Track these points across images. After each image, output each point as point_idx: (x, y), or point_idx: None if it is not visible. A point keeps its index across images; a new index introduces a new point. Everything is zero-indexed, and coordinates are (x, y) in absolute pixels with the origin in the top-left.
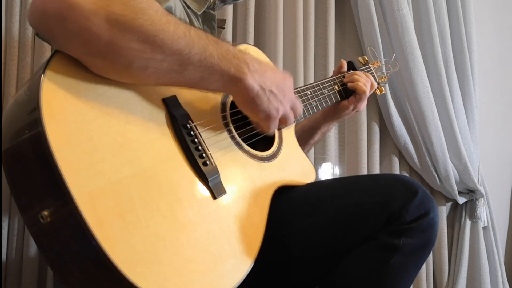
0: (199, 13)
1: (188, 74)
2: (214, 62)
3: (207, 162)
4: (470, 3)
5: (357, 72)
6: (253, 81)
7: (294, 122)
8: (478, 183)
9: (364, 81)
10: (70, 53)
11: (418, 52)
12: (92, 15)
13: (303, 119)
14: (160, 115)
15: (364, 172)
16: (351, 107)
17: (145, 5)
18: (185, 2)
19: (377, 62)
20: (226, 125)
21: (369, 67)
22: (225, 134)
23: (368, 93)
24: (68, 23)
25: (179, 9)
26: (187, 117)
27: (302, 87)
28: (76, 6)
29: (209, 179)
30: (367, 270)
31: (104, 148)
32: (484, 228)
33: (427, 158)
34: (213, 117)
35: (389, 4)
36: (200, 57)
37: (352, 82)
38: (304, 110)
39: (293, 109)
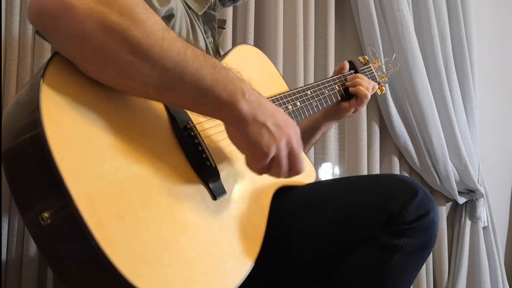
0: (200, 13)
1: (178, 94)
2: (206, 85)
3: (207, 162)
4: (470, 3)
5: (359, 75)
6: (246, 109)
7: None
8: (478, 183)
9: (366, 85)
10: (63, 54)
11: (418, 52)
12: (86, 18)
13: (303, 119)
14: (160, 116)
15: (364, 172)
16: (352, 110)
17: (143, 17)
18: (186, 3)
19: (378, 62)
20: None
21: (370, 67)
22: (225, 134)
23: (369, 96)
24: (61, 23)
25: (181, 10)
26: (187, 117)
27: (302, 87)
28: (72, 7)
29: (209, 180)
30: (367, 270)
31: (103, 149)
32: (484, 228)
33: (427, 158)
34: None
35: (389, 4)
36: (192, 79)
37: (354, 86)
38: (304, 110)
39: (291, 158)
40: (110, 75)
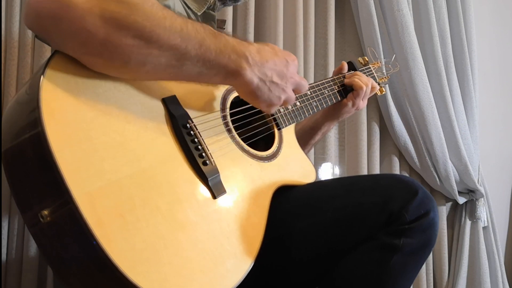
0: (199, 13)
1: (186, 69)
2: (211, 56)
3: (207, 161)
4: (470, 3)
5: (357, 72)
6: (252, 75)
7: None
8: (478, 183)
9: (365, 80)
10: (68, 53)
11: (418, 52)
12: (87, 13)
13: (303, 119)
14: (160, 115)
15: (364, 172)
16: (350, 104)
17: (139, 1)
18: (185, 2)
19: (377, 63)
20: (226, 125)
21: (369, 68)
22: (225, 134)
23: (365, 90)
24: (63, 23)
25: (179, 9)
26: (186, 116)
27: None
28: (71, 5)
29: (209, 179)
30: (367, 270)
31: (103, 147)
32: (484, 228)
33: (427, 158)
34: (213, 117)
35: (389, 4)
36: (197, 52)
37: (349, 79)
38: (304, 111)
39: (296, 90)
40: (119, 65)
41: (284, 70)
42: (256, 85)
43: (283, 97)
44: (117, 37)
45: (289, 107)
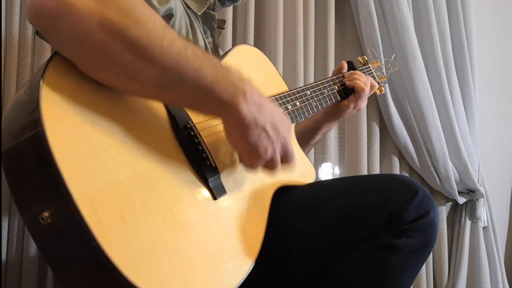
0: (199, 13)
1: (178, 93)
2: (206, 85)
3: (207, 162)
4: (470, 3)
5: (357, 71)
6: (247, 111)
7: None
8: (478, 183)
9: (364, 80)
10: (64, 54)
11: (418, 52)
12: (86, 18)
13: (303, 119)
14: (160, 115)
15: (364, 172)
16: (352, 106)
17: (142, 16)
18: (185, 3)
19: (377, 62)
20: None
21: (369, 67)
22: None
23: (367, 91)
24: (61, 24)
25: (180, 10)
26: (187, 117)
27: (301, 87)
28: (71, 7)
29: (209, 180)
30: (367, 270)
31: (104, 148)
32: (484, 228)
33: (427, 158)
34: (213, 118)
35: (389, 4)
36: (192, 78)
37: (351, 81)
38: (304, 111)
39: (283, 156)
40: (110, 75)
41: (278, 126)
42: (248, 123)
43: (269, 152)
44: (112, 47)
45: (289, 107)
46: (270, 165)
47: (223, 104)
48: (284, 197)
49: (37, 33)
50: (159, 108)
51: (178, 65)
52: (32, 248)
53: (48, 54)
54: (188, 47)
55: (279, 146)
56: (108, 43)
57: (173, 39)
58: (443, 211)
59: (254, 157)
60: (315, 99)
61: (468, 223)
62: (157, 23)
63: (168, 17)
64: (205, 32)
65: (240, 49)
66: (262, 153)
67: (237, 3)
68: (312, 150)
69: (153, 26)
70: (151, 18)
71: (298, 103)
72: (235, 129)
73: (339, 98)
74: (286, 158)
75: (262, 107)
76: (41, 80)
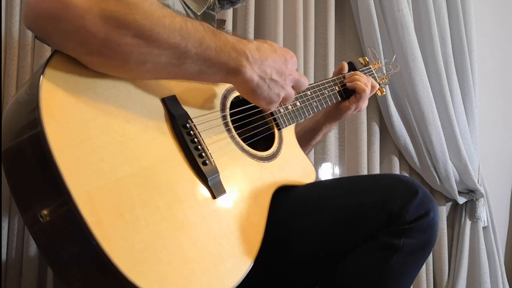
0: (199, 13)
1: (186, 68)
2: (211, 55)
3: (207, 161)
4: (470, 3)
5: (357, 72)
6: (251, 73)
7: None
8: (478, 183)
9: (365, 81)
10: (67, 53)
11: (418, 52)
12: (86, 13)
13: (303, 120)
14: (160, 115)
15: (364, 172)
16: (353, 107)
17: (139, 0)
18: (184, 2)
19: (378, 63)
20: (226, 125)
21: (370, 68)
22: (225, 134)
23: (368, 92)
24: (62, 23)
25: (179, 9)
26: (186, 116)
27: None
28: (70, 5)
29: (208, 179)
30: (367, 270)
31: (103, 147)
32: (484, 228)
33: (427, 158)
34: (213, 117)
35: (389, 4)
36: (197, 50)
37: (352, 82)
38: (304, 111)
39: (296, 87)
40: (119, 64)
41: (283, 67)
42: (256, 83)
43: (282, 94)
44: (117, 36)
45: (289, 107)
46: (285, 101)
47: (229, 71)
48: (284, 197)
49: (36, 36)
50: (158, 107)
51: (182, 39)
52: (32, 248)
53: (48, 54)
54: (187, 20)
55: (289, 83)
56: (112, 33)
57: (172, 16)
58: (443, 211)
59: (271, 104)
60: (316, 99)
61: (468, 223)
62: (154, 4)
63: None
64: None
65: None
66: (276, 99)
67: (236, 6)
68: (312, 150)
69: (151, 7)
70: (147, 1)
71: (298, 103)
72: (247, 91)
73: (339, 98)
74: (298, 87)
75: (264, 62)
76: (40, 80)
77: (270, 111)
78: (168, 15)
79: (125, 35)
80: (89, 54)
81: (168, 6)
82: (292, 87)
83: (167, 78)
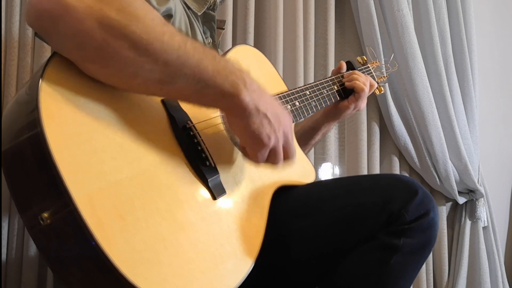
0: (199, 13)
1: (179, 87)
2: (208, 76)
3: (207, 162)
4: (470, 3)
5: (356, 71)
6: (248, 99)
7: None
8: (478, 183)
9: (363, 80)
10: (65, 55)
11: (418, 52)
12: (86, 17)
13: (302, 120)
14: (160, 116)
15: (364, 172)
16: (352, 107)
17: (141, 13)
18: (185, 3)
19: (376, 62)
20: (226, 125)
21: (368, 67)
22: (225, 134)
23: (367, 91)
24: (61, 24)
25: (180, 10)
26: (186, 117)
27: (301, 87)
28: (70, 7)
29: (208, 180)
30: (367, 270)
31: (103, 149)
32: (484, 228)
33: (427, 158)
34: (213, 118)
35: (389, 4)
36: (193, 71)
37: (350, 81)
38: (303, 110)
39: (285, 148)
40: (112, 73)
41: (280, 116)
42: (250, 110)
43: (272, 140)
44: (113, 45)
45: (288, 107)
46: (273, 157)
47: (225, 94)
48: (284, 197)
49: (36, 34)
50: (158, 108)
51: (179, 59)
52: (32, 248)
53: (48, 54)
54: (187, 41)
55: (282, 136)
56: (108, 41)
57: (172, 34)
58: (443, 211)
59: (257, 146)
60: (315, 99)
61: (468, 223)
62: (156, 19)
63: (167, 17)
64: (205, 33)
65: (239, 49)
66: (266, 141)
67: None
68: (312, 150)
69: (152, 22)
70: (150, 15)
71: (297, 103)
72: (238, 117)
73: (338, 98)
74: (287, 152)
75: (262, 96)
76: (40, 80)
77: (254, 161)
78: (168, 33)
79: (121, 46)
80: (84, 58)
81: (170, 8)
82: (283, 145)
83: (159, 95)
